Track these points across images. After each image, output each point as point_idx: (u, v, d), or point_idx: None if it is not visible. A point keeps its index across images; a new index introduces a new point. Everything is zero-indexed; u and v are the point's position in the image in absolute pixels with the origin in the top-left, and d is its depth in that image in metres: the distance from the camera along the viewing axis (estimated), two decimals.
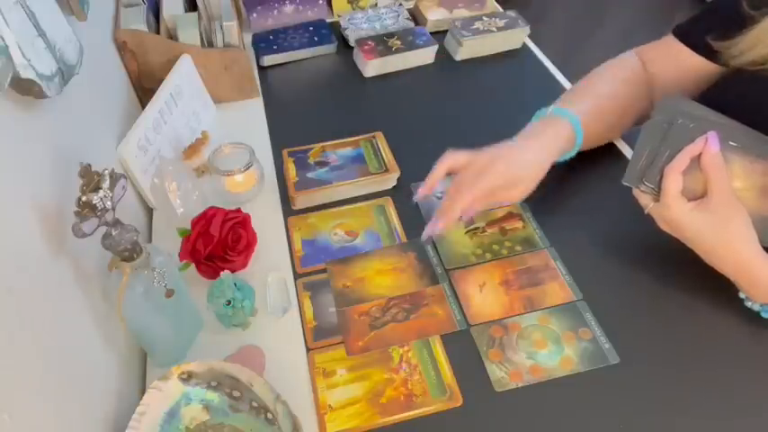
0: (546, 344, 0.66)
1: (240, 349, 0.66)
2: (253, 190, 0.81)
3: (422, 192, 0.72)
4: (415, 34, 1.08)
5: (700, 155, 0.62)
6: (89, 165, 0.50)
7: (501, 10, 1.16)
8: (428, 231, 0.71)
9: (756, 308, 0.65)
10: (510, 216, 0.80)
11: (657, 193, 0.64)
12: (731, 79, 0.70)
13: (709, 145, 0.61)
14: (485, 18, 1.10)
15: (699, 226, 0.62)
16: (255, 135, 0.92)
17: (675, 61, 0.78)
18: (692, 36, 0.76)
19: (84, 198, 0.50)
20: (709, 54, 0.73)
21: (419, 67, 1.08)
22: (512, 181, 0.70)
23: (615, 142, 0.90)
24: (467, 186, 0.69)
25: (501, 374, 0.63)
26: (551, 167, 0.73)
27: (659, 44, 0.81)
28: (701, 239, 0.63)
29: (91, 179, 0.50)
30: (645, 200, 0.66)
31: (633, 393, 0.62)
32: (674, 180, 0.62)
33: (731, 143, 0.62)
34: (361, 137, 0.89)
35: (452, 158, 0.72)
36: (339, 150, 0.87)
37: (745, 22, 0.65)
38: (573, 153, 0.77)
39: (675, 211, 0.62)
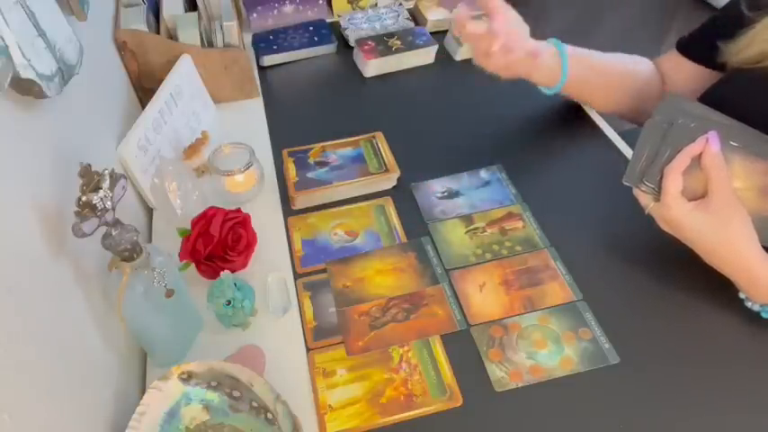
0: (546, 344, 0.66)
1: (240, 349, 0.66)
2: (253, 190, 0.81)
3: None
4: (415, 34, 1.08)
5: (700, 154, 0.62)
6: (89, 165, 0.50)
7: None
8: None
9: (756, 308, 0.65)
10: (510, 216, 0.80)
11: (658, 193, 0.64)
12: (728, 79, 0.71)
13: (709, 144, 0.61)
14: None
15: (699, 226, 0.62)
16: (255, 135, 0.92)
17: (683, 74, 0.81)
18: (693, 49, 0.79)
19: (84, 198, 0.50)
20: (712, 64, 0.75)
21: (419, 67, 1.08)
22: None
23: (615, 142, 0.90)
24: None
25: (501, 374, 0.63)
26: (553, 170, 0.73)
27: (668, 58, 0.84)
28: (702, 239, 0.63)
29: (91, 179, 0.50)
30: (645, 199, 0.66)
31: (633, 393, 0.62)
32: (674, 180, 0.62)
33: (732, 143, 0.62)
34: (361, 137, 0.89)
35: None
36: (339, 150, 0.87)
37: (744, 24, 0.66)
38: (560, 85, 0.80)
39: (676, 211, 0.62)
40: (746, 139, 0.63)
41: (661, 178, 0.63)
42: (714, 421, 0.60)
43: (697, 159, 0.62)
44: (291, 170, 0.84)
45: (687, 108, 0.64)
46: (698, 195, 0.62)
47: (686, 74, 0.80)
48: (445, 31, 1.12)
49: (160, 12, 0.96)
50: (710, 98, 0.69)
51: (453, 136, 0.93)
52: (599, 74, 0.83)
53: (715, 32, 0.74)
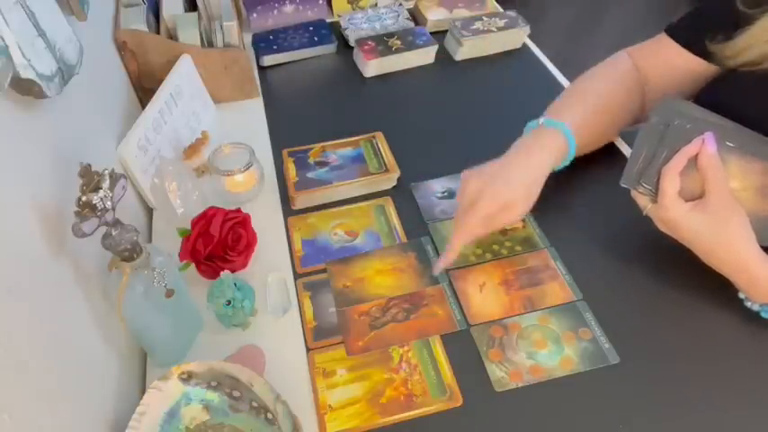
0: (546, 344, 0.66)
1: (240, 349, 0.66)
2: (253, 190, 0.81)
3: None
4: (415, 34, 1.08)
5: (697, 155, 0.62)
6: (89, 165, 0.50)
7: (501, 10, 1.16)
8: (439, 266, 0.71)
9: (756, 308, 0.65)
10: None
11: (655, 195, 0.64)
12: (723, 79, 0.71)
13: (706, 145, 0.61)
14: (485, 18, 1.10)
15: (697, 227, 0.62)
16: (255, 135, 0.92)
17: (668, 61, 0.77)
18: (685, 35, 0.76)
19: (84, 198, 0.50)
20: (703, 53, 0.73)
21: (419, 67, 1.08)
22: (504, 205, 0.68)
23: (615, 142, 0.89)
24: (460, 223, 0.68)
25: (501, 374, 0.63)
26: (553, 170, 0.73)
27: (652, 44, 0.81)
28: (700, 240, 0.63)
29: (91, 179, 0.50)
30: (643, 201, 0.66)
31: (633, 393, 0.62)
32: (671, 181, 0.62)
33: (728, 143, 0.62)
34: (361, 137, 0.89)
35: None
36: (339, 150, 0.87)
37: (738, 20, 0.64)
38: (567, 162, 0.75)
39: (673, 212, 0.62)
40: (743, 139, 0.63)
41: (658, 180, 0.63)
42: (714, 420, 0.60)
43: (694, 160, 0.62)
44: (291, 170, 0.84)
45: (683, 109, 0.64)
46: (695, 196, 0.62)
47: (673, 61, 0.77)
48: (445, 31, 1.12)
49: (160, 12, 0.96)
50: (707, 99, 0.68)
51: (453, 136, 0.93)
52: (598, 126, 0.78)
53: (707, 20, 0.72)
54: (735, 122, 0.64)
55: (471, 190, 0.68)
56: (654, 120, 0.65)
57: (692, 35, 0.74)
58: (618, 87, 0.79)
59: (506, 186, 0.68)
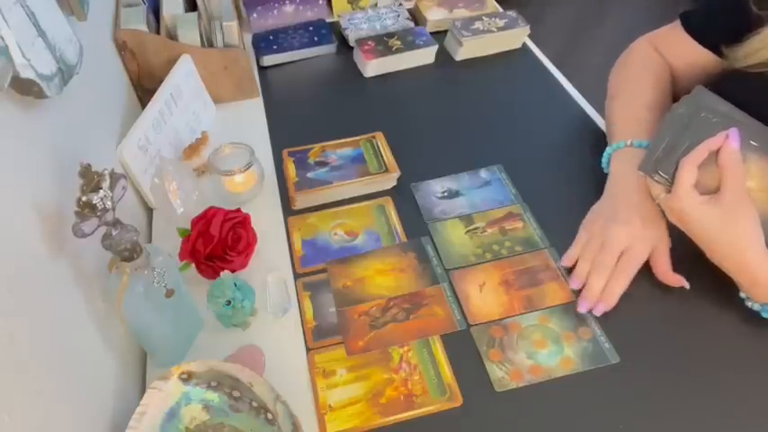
0: (546, 344, 0.66)
1: (240, 349, 0.66)
2: (253, 190, 0.81)
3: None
4: (415, 34, 1.08)
5: (718, 150, 0.61)
6: (89, 165, 0.50)
7: (501, 10, 1.16)
8: (600, 309, 0.68)
9: (756, 307, 0.65)
10: (510, 216, 0.80)
11: (670, 184, 0.64)
12: (731, 78, 0.70)
13: (729, 141, 0.61)
14: (485, 18, 1.10)
15: (706, 220, 0.61)
16: (255, 135, 0.92)
17: (683, 50, 0.79)
18: (698, 28, 0.77)
19: (84, 198, 0.50)
20: (715, 49, 0.73)
21: (419, 67, 1.08)
22: (652, 246, 0.68)
23: None
24: (623, 272, 0.67)
25: (501, 374, 0.63)
26: (553, 170, 0.73)
27: (668, 32, 0.81)
28: (707, 234, 0.63)
29: (91, 179, 0.50)
30: (657, 190, 0.66)
31: (633, 393, 0.62)
32: (688, 171, 0.61)
33: (752, 142, 0.62)
34: (361, 137, 0.89)
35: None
36: (339, 150, 0.87)
37: (751, 21, 0.64)
38: None
39: (685, 203, 0.62)
40: (767, 140, 0.62)
41: (676, 170, 0.63)
42: (714, 420, 0.60)
43: (714, 155, 0.62)
44: (291, 170, 0.84)
45: (712, 104, 0.64)
46: (710, 191, 0.62)
47: (687, 50, 0.78)
48: (445, 32, 1.12)
49: (160, 12, 0.96)
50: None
51: (453, 136, 0.93)
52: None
53: (720, 15, 0.72)
54: (762, 124, 0.63)
55: (619, 238, 0.68)
56: (681, 110, 0.64)
57: (704, 29, 0.75)
58: (668, 93, 0.80)
59: (649, 234, 0.68)
